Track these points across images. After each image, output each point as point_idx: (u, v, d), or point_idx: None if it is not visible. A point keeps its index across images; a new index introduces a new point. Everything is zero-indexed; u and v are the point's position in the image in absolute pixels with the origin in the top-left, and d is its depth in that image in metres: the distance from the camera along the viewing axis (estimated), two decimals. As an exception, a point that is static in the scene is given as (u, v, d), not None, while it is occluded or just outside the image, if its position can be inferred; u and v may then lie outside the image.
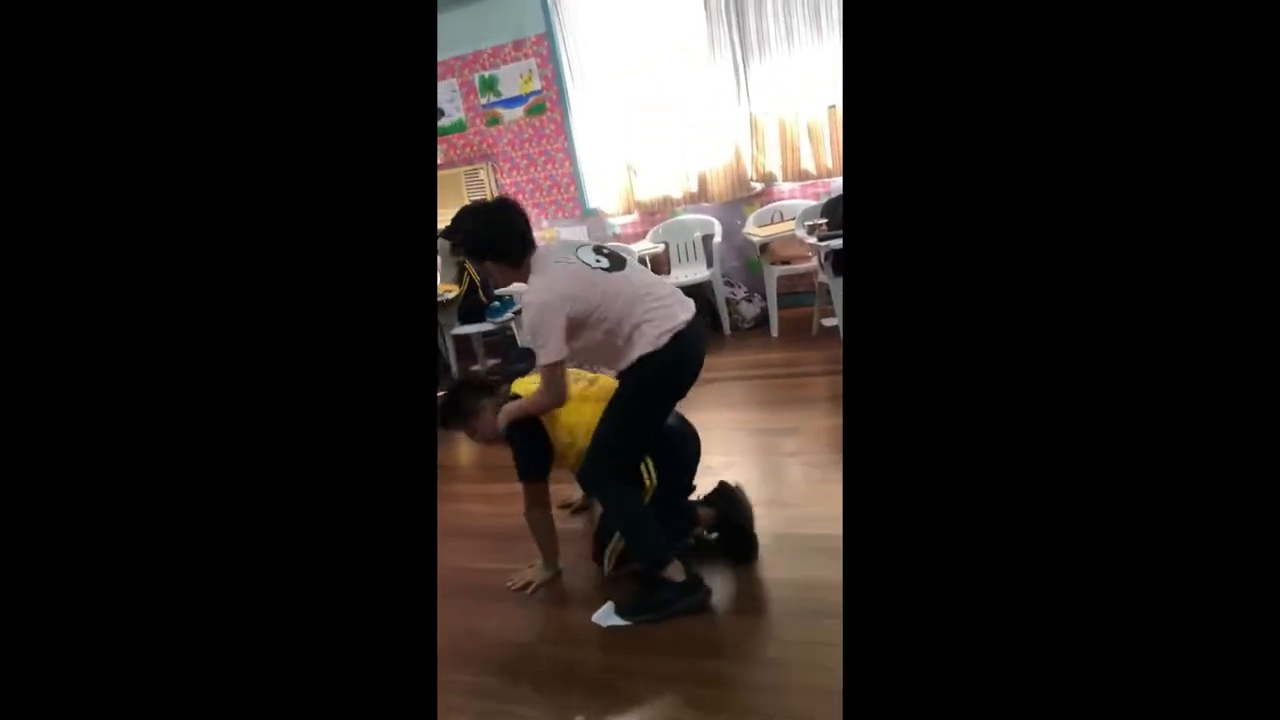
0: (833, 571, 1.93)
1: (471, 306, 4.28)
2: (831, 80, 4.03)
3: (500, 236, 1.87)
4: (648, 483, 2.02)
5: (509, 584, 2.16)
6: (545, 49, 4.63)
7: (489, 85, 4.84)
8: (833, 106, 4.07)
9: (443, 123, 5.01)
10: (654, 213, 4.69)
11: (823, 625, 1.74)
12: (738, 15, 4.14)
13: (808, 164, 4.22)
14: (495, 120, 4.89)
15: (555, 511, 2.22)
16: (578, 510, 2.52)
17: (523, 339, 4.38)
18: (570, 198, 4.86)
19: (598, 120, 4.64)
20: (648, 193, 4.64)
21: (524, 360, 3.77)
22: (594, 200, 4.81)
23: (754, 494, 2.22)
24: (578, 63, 4.58)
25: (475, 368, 4.53)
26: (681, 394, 1.98)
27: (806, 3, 4.02)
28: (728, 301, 4.36)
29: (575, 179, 4.83)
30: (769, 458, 2.74)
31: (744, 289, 4.46)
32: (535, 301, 1.82)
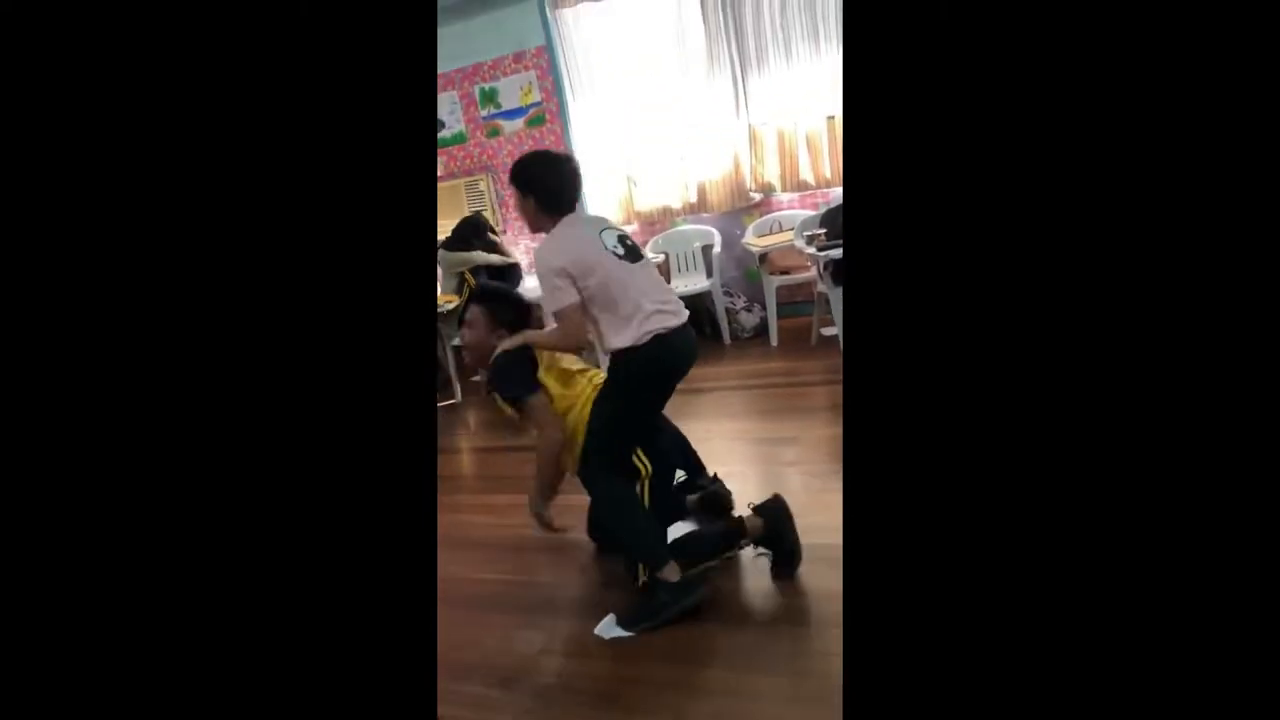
0: (833, 581, 1.93)
1: (472, 317, 4.29)
2: (830, 92, 4.05)
3: (549, 177, 2.00)
4: (644, 471, 2.06)
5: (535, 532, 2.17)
6: (545, 61, 4.66)
7: (489, 97, 4.86)
8: (831, 117, 4.10)
9: (443, 134, 5.04)
10: (654, 223, 4.70)
11: (823, 635, 1.74)
12: (736, 28, 4.17)
13: (806, 174, 4.24)
14: (495, 132, 4.92)
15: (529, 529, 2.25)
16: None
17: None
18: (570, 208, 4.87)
19: (597, 131, 4.66)
20: (647, 203, 4.65)
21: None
22: (594, 210, 4.83)
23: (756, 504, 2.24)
24: (577, 75, 4.61)
25: (475, 378, 4.54)
26: (664, 393, 2.04)
27: (805, 16, 4.05)
28: (727, 311, 4.37)
29: (575, 190, 4.84)
30: (769, 467, 2.74)
31: (744, 299, 4.47)
32: (541, 256, 1.95)
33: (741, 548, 2.06)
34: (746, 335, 4.38)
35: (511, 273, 4.47)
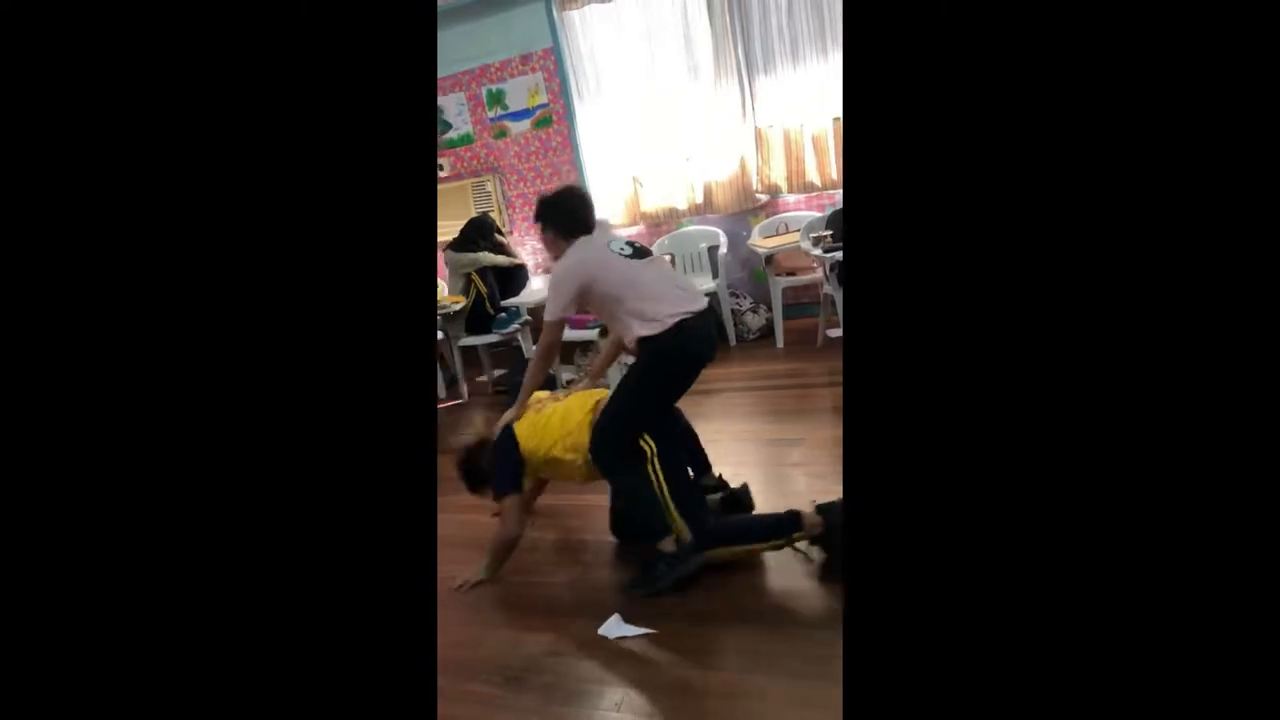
0: (839, 582, 1.94)
1: (478, 318, 4.31)
2: (836, 94, 4.05)
3: (562, 205, 2.28)
4: (649, 451, 2.13)
5: (453, 587, 2.29)
6: (552, 63, 4.67)
7: (496, 99, 4.88)
8: (837, 119, 4.10)
9: (450, 135, 5.06)
10: (660, 224, 4.71)
11: (829, 636, 1.74)
12: (743, 29, 4.18)
13: (813, 176, 4.24)
14: (503, 133, 4.93)
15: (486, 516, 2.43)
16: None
17: (529, 350, 4.40)
18: (576, 209, 4.89)
19: (604, 132, 4.67)
20: (653, 204, 4.66)
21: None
22: (600, 211, 4.83)
23: (759, 504, 2.25)
24: (584, 76, 4.62)
25: (482, 378, 4.55)
26: (685, 379, 2.14)
27: (811, 19, 4.06)
28: (733, 312, 4.38)
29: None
30: (774, 468, 2.74)
31: (749, 300, 4.48)
32: (557, 269, 2.21)
33: (794, 541, 2.06)
34: (753, 336, 4.39)
35: (518, 274, 4.49)
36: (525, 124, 4.86)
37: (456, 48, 4.79)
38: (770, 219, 4.42)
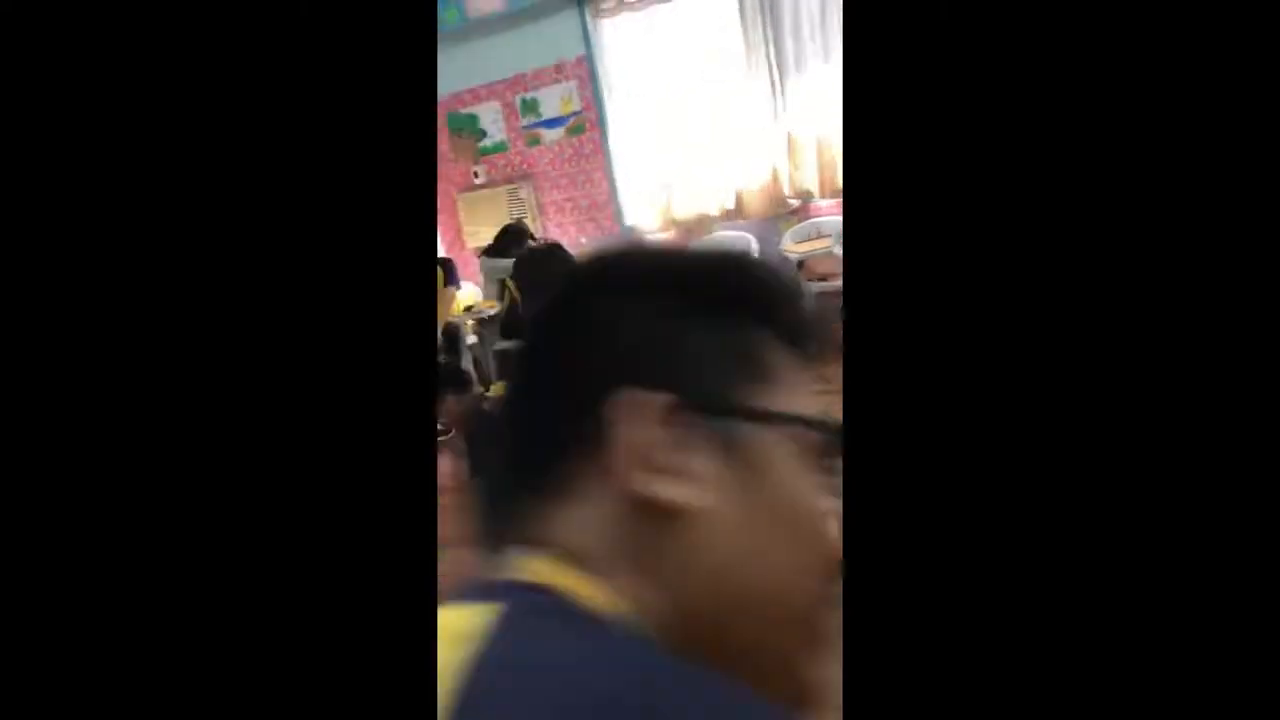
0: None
1: (513, 322, 4.38)
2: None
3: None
4: None
5: None
6: (585, 71, 4.74)
7: (530, 107, 4.96)
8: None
9: (485, 143, 5.15)
10: (690, 230, 4.75)
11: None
12: (774, 36, 4.20)
13: (844, 181, 4.25)
14: (536, 141, 5.01)
15: None
16: None
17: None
18: (608, 215, 4.95)
19: (635, 139, 4.72)
20: (684, 210, 4.70)
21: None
22: (631, 218, 4.89)
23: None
24: (616, 84, 4.68)
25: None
26: None
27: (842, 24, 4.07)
28: (764, 317, 4.40)
29: (612, 196, 4.92)
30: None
31: (780, 305, 4.49)
32: None
33: None
34: (783, 341, 4.40)
35: (551, 279, 4.56)
36: (559, 131, 4.93)
37: (492, 57, 4.88)
38: (802, 224, 4.42)
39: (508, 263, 4.39)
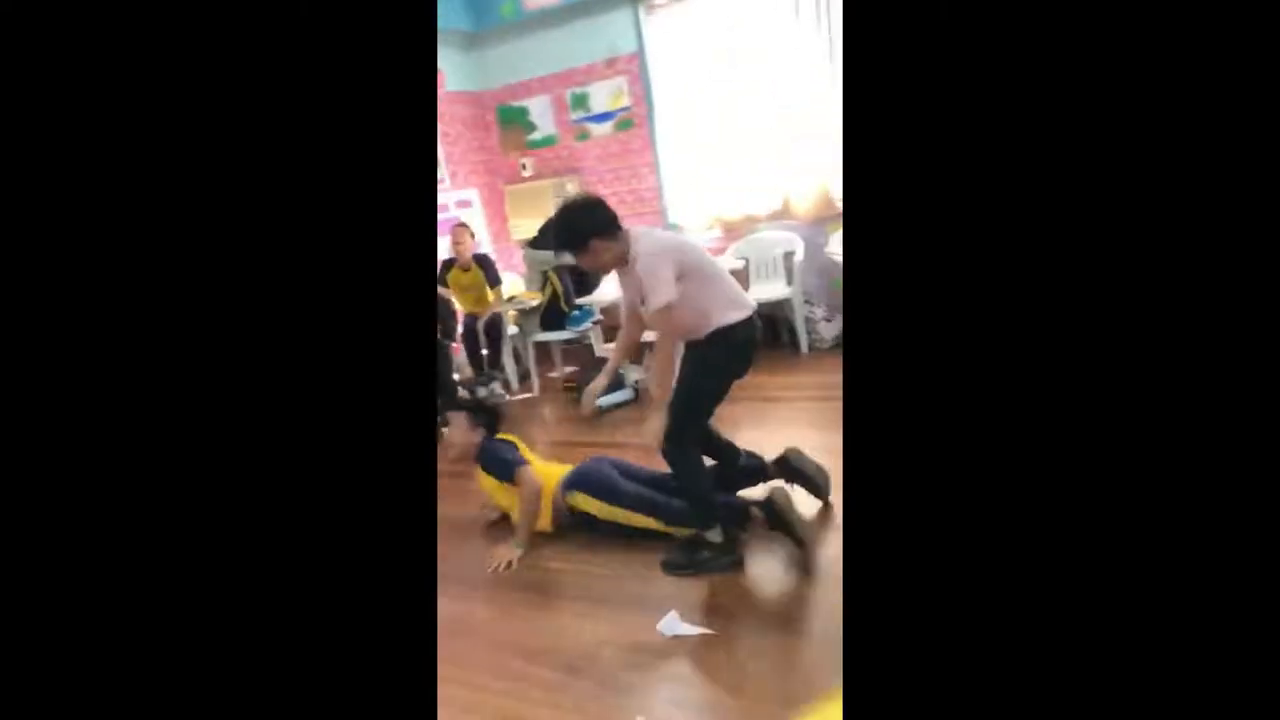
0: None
1: (553, 315, 4.40)
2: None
3: (598, 214, 2.07)
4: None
5: (489, 569, 2.40)
6: (636, 67, 4.73)
7: (580, 101, 4.98)
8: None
9: (534, 136, 5.19)
10: (736, 229, 4.71)
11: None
12: (829, 35, 4.14)
13: (895, 185, 4.16)
14: (584, 135, 5.03)
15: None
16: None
17: (600, 348, 4.47)
18: (653, 211, 4.94)
19: (683, 136, 4.71)
20: (731, 209, 4.66)
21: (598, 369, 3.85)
22: (676, 215, 4.87)
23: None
24: (666, 80, 4.66)
25: (553, 374, 4.65)
26: (741, 374, 2.21)
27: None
28: (806, 320, 4.34)
29: (659, 194, 4.90)
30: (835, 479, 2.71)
31: (824, 308, 4.42)
32: (647, 252, 2.04)
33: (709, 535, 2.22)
34: (826, 346, 4.33)
35: (592, 273, 4.57)
36: (607, 126, 4.94)
37: (544, 52, 4.92)
38: (849, 227, 4.35)
39: (551, 255, 4.42)
